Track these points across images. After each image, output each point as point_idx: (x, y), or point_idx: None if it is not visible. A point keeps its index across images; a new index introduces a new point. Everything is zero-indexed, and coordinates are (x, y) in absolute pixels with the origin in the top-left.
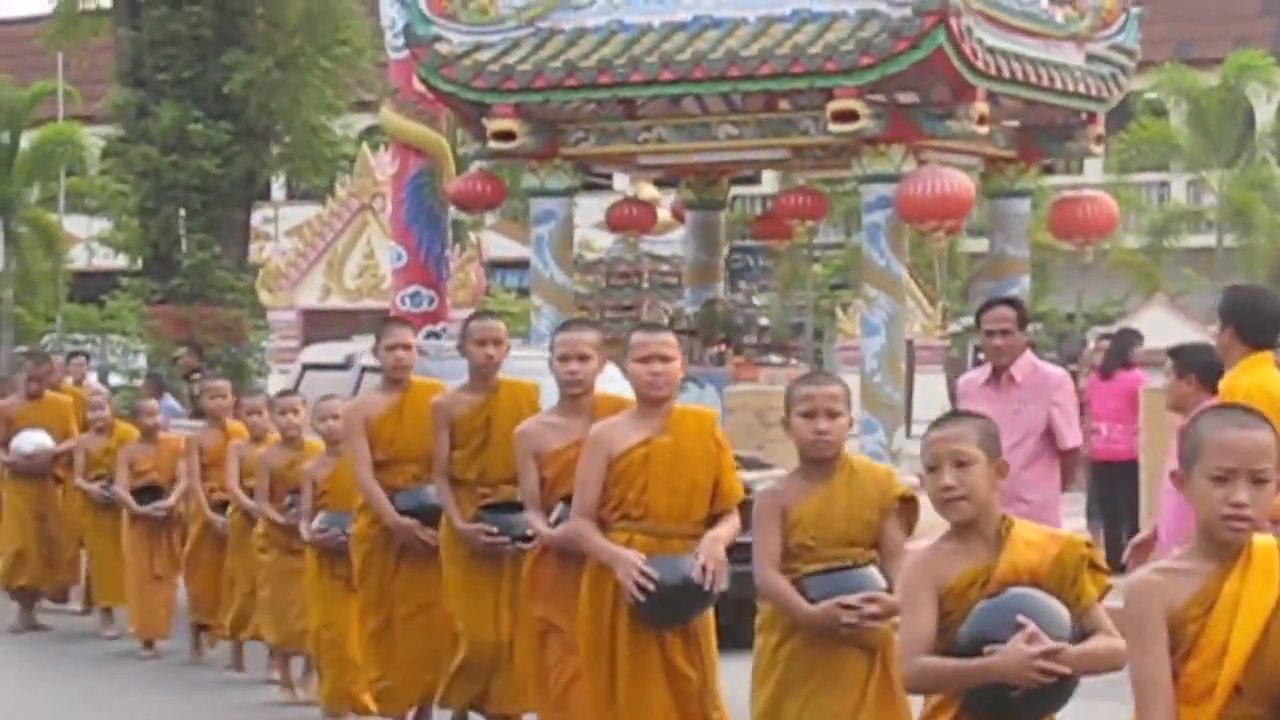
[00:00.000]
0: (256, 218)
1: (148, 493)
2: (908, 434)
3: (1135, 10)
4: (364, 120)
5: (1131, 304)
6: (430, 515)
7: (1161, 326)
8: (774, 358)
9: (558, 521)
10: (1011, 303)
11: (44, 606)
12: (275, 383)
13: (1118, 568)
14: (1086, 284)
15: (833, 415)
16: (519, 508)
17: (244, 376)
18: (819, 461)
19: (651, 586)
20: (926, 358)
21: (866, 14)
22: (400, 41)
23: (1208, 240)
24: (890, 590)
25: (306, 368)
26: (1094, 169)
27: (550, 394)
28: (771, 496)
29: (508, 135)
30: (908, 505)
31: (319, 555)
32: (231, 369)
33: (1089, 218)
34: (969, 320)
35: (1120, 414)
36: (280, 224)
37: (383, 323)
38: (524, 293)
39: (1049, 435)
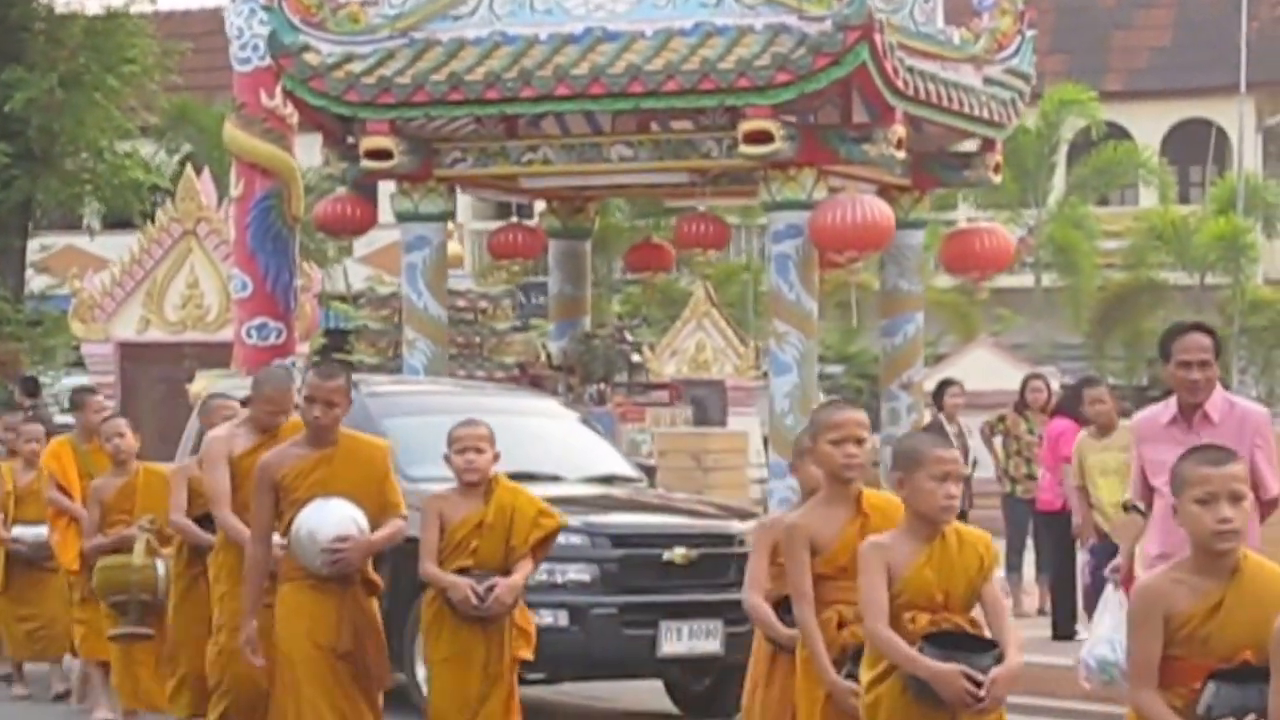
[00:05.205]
0: None
1: None
2: None
3: (1030, 33)
4: (145, 147)
5: (947, 344)
6: None
7: (987, 367)
8: (657, 397)
9: None
10: (1206, 329)
11: None
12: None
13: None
14: None
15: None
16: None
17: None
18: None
19: None
20: (739, 399)
21: (776, 28)
22: (246, 53)
23: (1020, 280)
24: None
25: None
26: None
27: None
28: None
29: (383, 154)
30: None
31: None
32: (8, 405)
33: (985, 251)
34: None
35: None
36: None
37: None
38: None
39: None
